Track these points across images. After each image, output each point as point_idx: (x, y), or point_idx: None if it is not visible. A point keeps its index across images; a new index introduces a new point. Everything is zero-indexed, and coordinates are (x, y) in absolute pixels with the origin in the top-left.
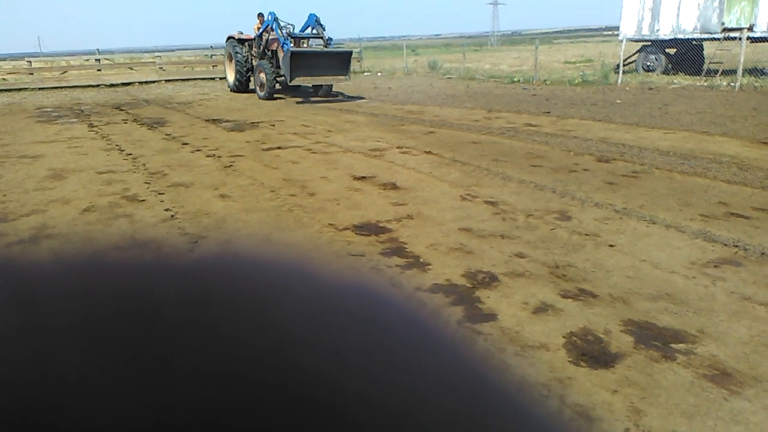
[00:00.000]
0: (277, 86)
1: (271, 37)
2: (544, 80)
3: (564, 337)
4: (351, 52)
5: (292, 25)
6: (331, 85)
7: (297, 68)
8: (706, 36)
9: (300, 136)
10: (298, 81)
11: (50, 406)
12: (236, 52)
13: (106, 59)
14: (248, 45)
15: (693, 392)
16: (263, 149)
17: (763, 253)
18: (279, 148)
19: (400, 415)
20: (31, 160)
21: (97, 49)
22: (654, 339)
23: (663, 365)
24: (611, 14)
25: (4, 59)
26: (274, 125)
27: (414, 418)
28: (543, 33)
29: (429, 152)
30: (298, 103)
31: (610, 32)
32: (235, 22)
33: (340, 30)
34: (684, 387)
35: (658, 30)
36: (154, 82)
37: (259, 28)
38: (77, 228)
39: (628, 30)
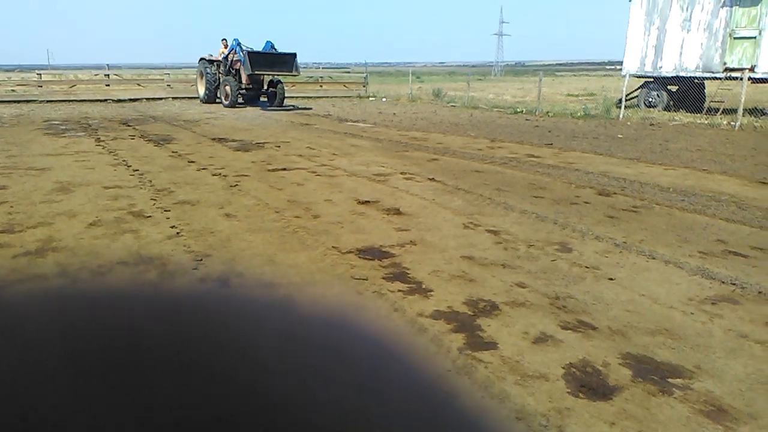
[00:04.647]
0: (240, 99)
1: (235, 59)
2: (547, 112)
3: (563, 368)
4: (295, 54)
5: (252, 48)
6: (283, 98)
7: (254, 64)
8: (708, 75)
9: (305, 159)
10: (257, 73)
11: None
12: (207, 71)
13: (114, 74)
14: (216, 65)
15: (689, 427)
16: (268, 170)
17: (760, 292)
18: (284, 169)
19: None
20: (38, 173)
21: (107, 65)
22: (652, 373)
23: (660, 399)
24: (614, 49)
25: (13, 70)
26: (279, 146)
27: None
28: (546, 65)
29: (432, 179)
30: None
31: (613, 67)
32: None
33: (345, 55)
34: (681, 422)
35: (660, 67)
36: (161, 98)
37: (223, 53)
38: (83, 242)
39: (631, 65)
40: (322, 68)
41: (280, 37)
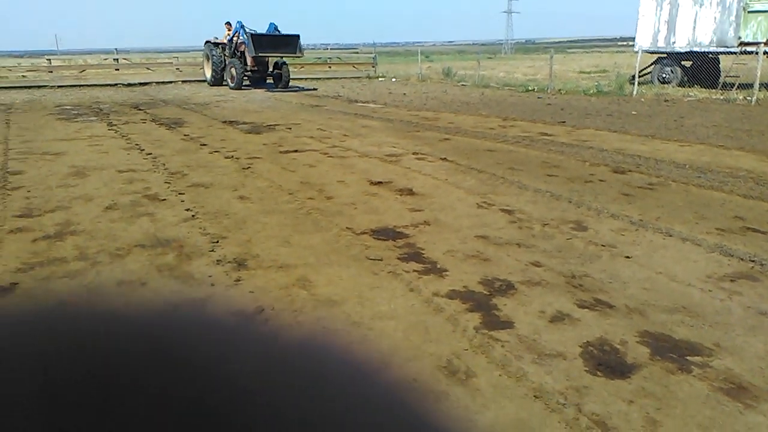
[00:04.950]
0: (246, 81)
1: (239, 41)
2: (559, 90)
3: (580, 346)
4: (298, 35)
5: (255, 30)
6: (289, 79)
7: (258, 46)
8: (722, 49)
9: (316, 140)
10: (261, 55)
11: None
12: (212, 54)
13: (124, 59)
14: (221, 47)
15: (709, 405)
16: (280, 152)
17: None
18: (296, 151)
19: None
20: (53, 157)
21: (115, 49)
22: (670, 351)
23: (679, 377)
24: (626, 25)
25: (23, 56)
26: (290, 128)
27: None
28: (557, 42)
29: (445, 159)
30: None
31: (625, 43)
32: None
33: (353, 35)
34: (700, 399)
35: (674, 42)
36: (171, 82)
37: (228, 35)
38: (101, 225)
39: (643, 41)
40: (330, 49)
41: (287, 19)
